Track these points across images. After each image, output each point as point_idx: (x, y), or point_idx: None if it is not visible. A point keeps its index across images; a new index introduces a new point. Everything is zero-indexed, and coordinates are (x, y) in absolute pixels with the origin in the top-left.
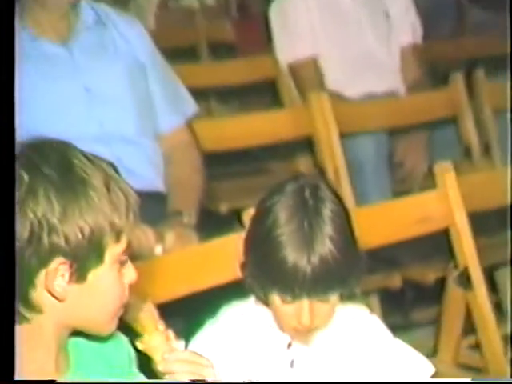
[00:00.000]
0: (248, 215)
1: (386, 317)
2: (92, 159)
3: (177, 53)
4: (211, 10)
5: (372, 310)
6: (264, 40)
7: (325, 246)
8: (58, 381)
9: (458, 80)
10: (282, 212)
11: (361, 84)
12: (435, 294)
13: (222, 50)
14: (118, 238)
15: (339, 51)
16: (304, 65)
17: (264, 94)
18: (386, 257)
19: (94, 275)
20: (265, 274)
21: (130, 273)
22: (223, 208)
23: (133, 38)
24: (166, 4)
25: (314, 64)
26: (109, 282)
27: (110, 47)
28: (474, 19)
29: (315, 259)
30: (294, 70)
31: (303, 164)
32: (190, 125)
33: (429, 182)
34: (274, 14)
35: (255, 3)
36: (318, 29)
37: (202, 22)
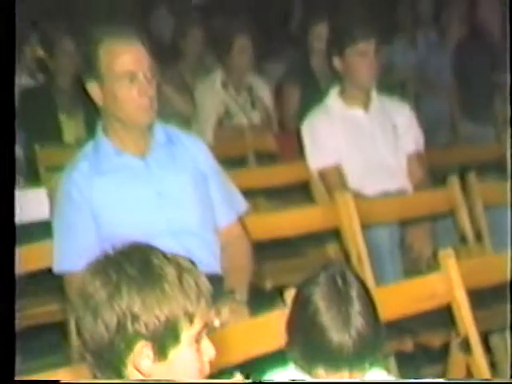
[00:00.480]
0: (289, 295)
1: (401, 374)
2: (169, 257)
3: (230, 161)
4: (257, 126)
5: (390, 369)
6: (299, 149)
7: (357, 320)
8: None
9: (454, 182)
10: (321, 301)
11: (376, 184)
12: (441, 355)
13: (265, 158)
14: (191, 322)
15: (358, 159)
16: (330, 171)
17: (300, 192)
18: (401, 326)
19: (173, 354)
20: (311, 352)
21: (209, 350)
22: (268, 285)
23: (196, 152)
24: (222, 122)
25: (337, 170)
26: (188, 358)
27: (178, 159)
28: (465, 131)
29: (354, 333)
30: (322, 174)
31: (332, 249)
32: (241, 219)
33: (433, 262)
34: (305, 129)
35: (292, 120)
36: (341, 141)
37: (250, 135)
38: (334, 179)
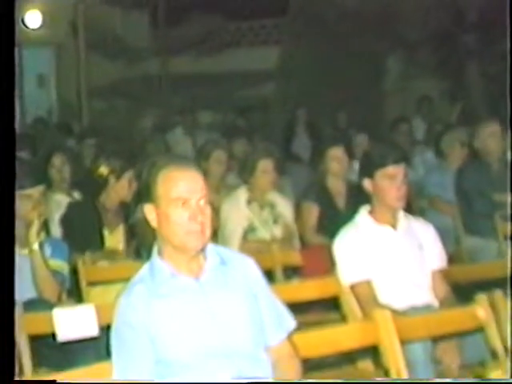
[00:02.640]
0: None
1: None
2: None
3: None
4: (279, 241)
5: None
6: (325, 264)
7: None
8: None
9: (482, 300)
10: None
11: (405, 299)
12: None
13: (291, 272)
14: None
15: (387, 274)
16: (362, 285)
17: (325, 306)
18: None
19: None
20: None
21: None
22: None
23: (247, 272)
24: (246, 236)
25: (369, 284)
26: None
27: (230, 280)
28: (467, 244)
29: None
30: (354, 289)
31: (363, 364)
32: (290, 337)
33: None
34: (337, 245)
35: (311, 236)
36: (371, 257)
37: (276, 250)
38: (366, 293)
